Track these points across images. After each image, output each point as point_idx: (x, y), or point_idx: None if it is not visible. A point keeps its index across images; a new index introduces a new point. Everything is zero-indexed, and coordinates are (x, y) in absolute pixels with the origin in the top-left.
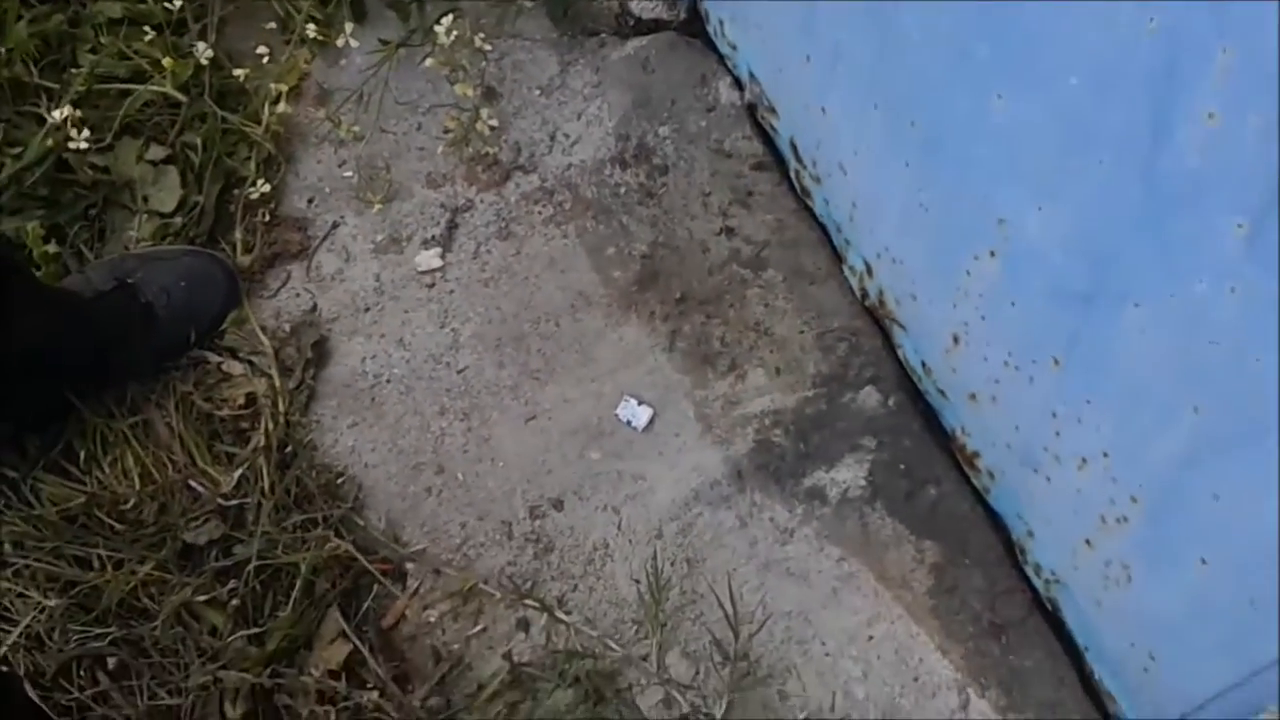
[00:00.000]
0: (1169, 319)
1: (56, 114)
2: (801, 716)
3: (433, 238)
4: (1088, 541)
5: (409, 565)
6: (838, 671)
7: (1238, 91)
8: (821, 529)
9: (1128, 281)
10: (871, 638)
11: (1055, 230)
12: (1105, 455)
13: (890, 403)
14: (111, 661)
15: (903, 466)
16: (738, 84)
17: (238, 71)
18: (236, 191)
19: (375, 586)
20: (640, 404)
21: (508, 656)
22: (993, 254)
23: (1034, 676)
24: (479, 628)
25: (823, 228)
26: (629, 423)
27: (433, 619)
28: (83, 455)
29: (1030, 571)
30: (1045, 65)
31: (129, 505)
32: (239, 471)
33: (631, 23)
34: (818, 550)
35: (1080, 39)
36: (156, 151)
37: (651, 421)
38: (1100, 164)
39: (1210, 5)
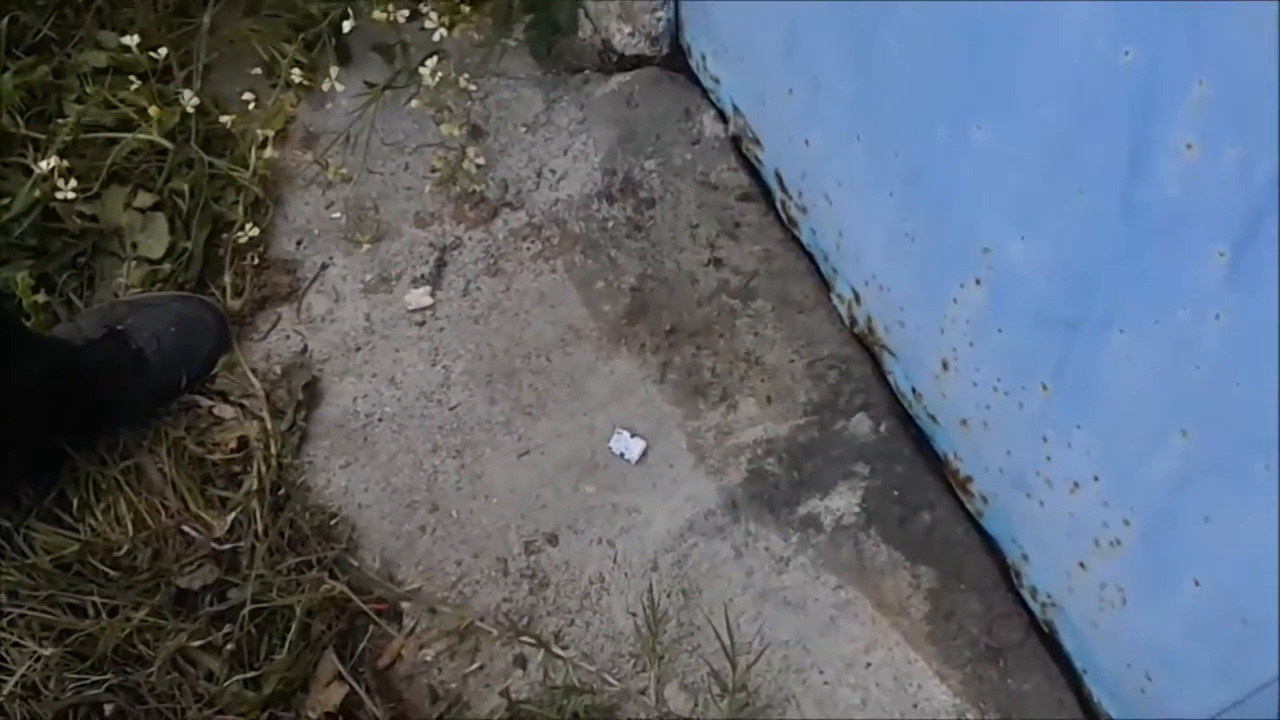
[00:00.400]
0: (1154, 345)
1: (43, 164)
2: None
3: (422, 276)
4: (1082, 564)
5: (404, 604)
6: (836, 700)
7: (1215, 123)
8: (817, 557)
9: (1111, 308)
10: (870, 665)
11: (1038, 258)
12: (1096, 479)
13: (882, 429)
14: (108, 709)
15: (896, 492)
16: (721, 117)
17: (224, 117)
18: (225, 236)
19: (371, 627)
20: (633, 436)
21: (505, 694)
22: (978, 282)
23: (1033, 700)
24: (476, 665)
25: (810, 257)
26: (622, 455)
27: (429, 658)
28: (75, 503)
29: (1026, 595)
30: (1023, 96)
31: (123, 552)
32: (232, 515)
33: (614, 59)
34: (814, 578)
35: (1056, 70)
36: (144, 199)
37: (645, 454)
38: (1080, 193)
39: (1186, 37)
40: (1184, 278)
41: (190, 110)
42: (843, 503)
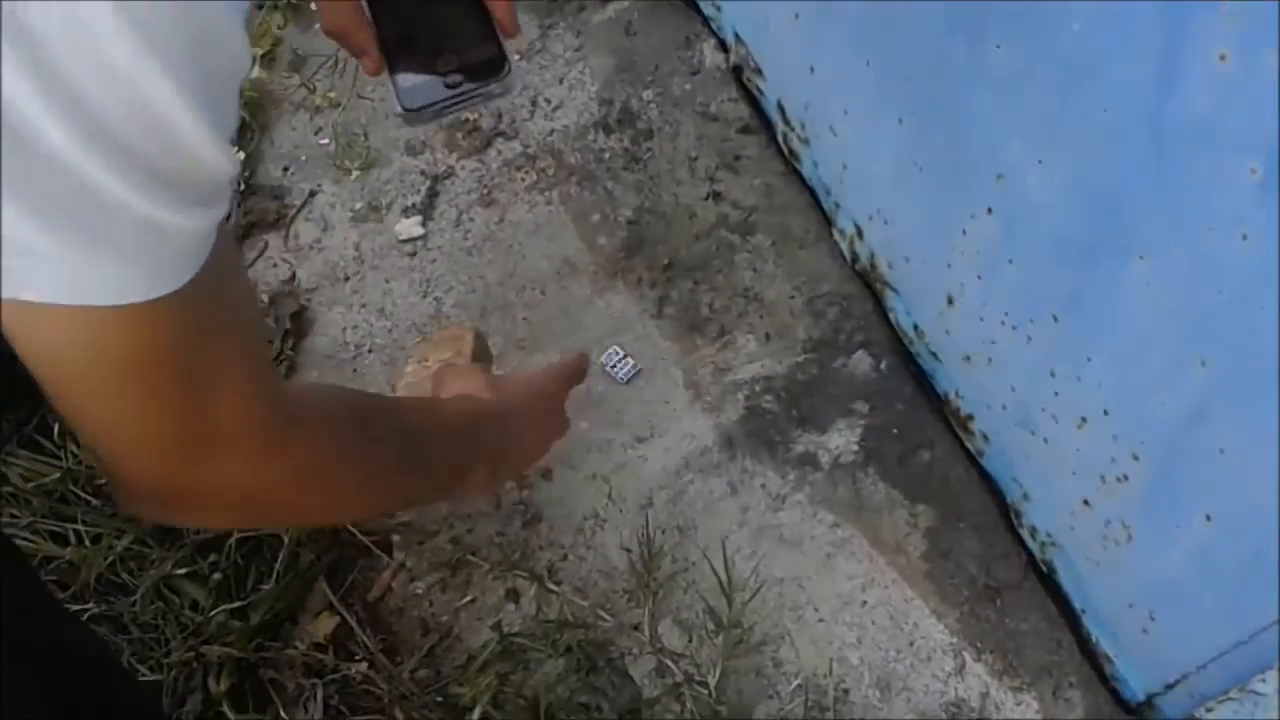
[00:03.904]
0: (1176, 270)
1: None
2: (796, 683)
3: (413, 206)
4: (1086, 502)
5: (395, 537)
6: (832, 637)
7: (1251, 30)
8: (814, 495)
9: (1133, 233)
10: (865, 603)
11: (1056, 184)
12: (1106, 413)
13: (882, 367)
14: None
15: (895, 431)
16: (722, 46)
17: None
18: None
19: (360, 559)
20: (625, 356)
21: (497, 627)
22: (990, 211)
23: (1030, 639)
24: (467, 599)
25: (811, 191)
26: (613, 368)
27: (420, 591)
28: (56, 429)
29: (1026, 534)
30: (1046, 11)
31: (104, 479)
32: None
33: None
34: (810, 516)
35: None
36: None
37: (634, 375)
38: (1104, 112)
39: None
40: (1212, 197)
41: None
42: (841, 440)
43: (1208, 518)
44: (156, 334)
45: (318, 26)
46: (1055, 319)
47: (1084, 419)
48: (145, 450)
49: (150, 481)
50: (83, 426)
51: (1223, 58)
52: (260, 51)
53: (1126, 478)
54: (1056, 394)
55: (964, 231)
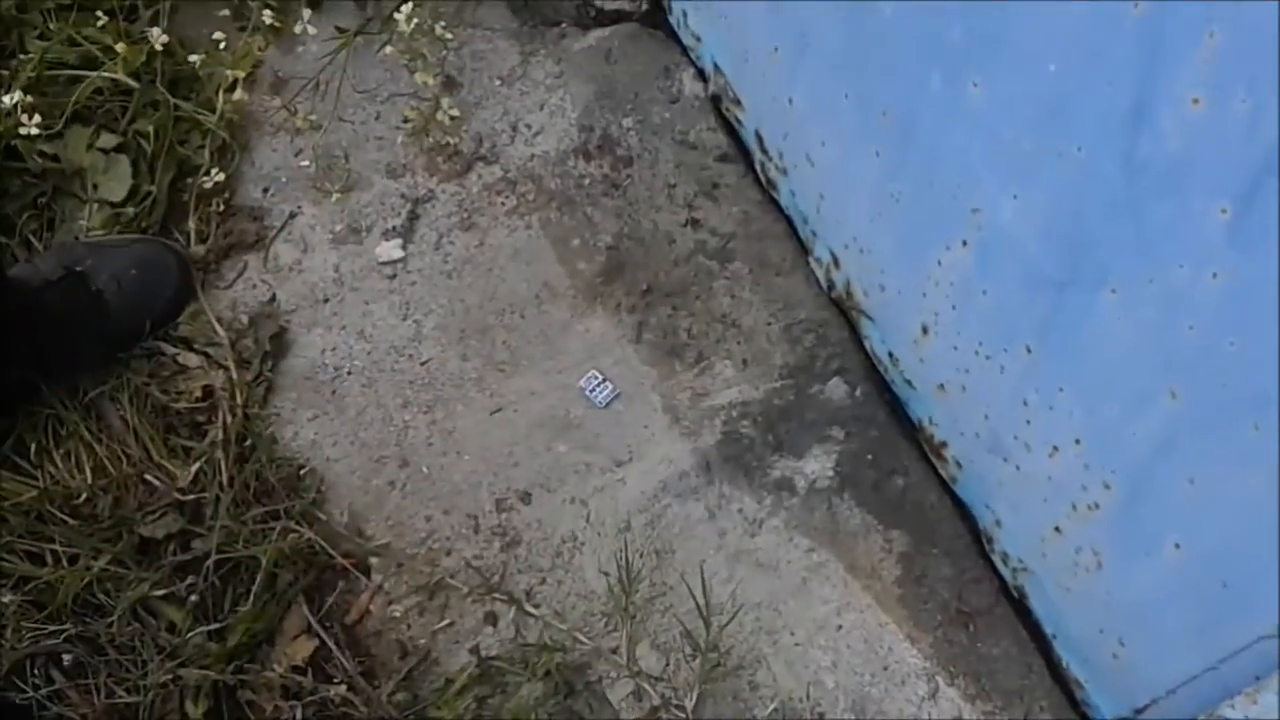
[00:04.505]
0: (1146, 304)
1: (7, 99)
2: (772, 707)
3: (393, 228)
4: (1057, 529)
5: (373, 560)
6: (808, 661)
7: (1225, 74)
8: (790, 519)
9: (1104, 268)
10: (841, 627)
11: (1030, 218)
12: (1078, 442)
13: (857, 393)
14: (67, 659)
15: (870, 457)
16: (701, 76)
17: (191, 58)
18: (190, 180)
19: (339, 582)
20: (604, 380)
21: (475, 651)
22: (965, 243)
23: (1002, 664)
24: (445, 622)
25: (788, 219)
26: (591, 393)
27: (398, 614)
28: (34, 448)
29: (998, 560)
30: (1024, 50)
31: (82, 499)
32: (196, 465)
33: (593, 13)
34: (787, 541)
35: (1061, 23)
36: (107, 139)
37: (612, 401)
38: (1078, 150)
39: None
40: (1183, 235)
41: (158, 48)
42: (817, 466)
43: (1177, 545)
44: None
45: (299, 49)
46: (1028, 349)
47: (1056, 447)
48: None
49: None
50: None
51: (1195, 101)
52: (241, 73)
53: (1097, 505)
54: (1029, 422)
55: (939, 262)
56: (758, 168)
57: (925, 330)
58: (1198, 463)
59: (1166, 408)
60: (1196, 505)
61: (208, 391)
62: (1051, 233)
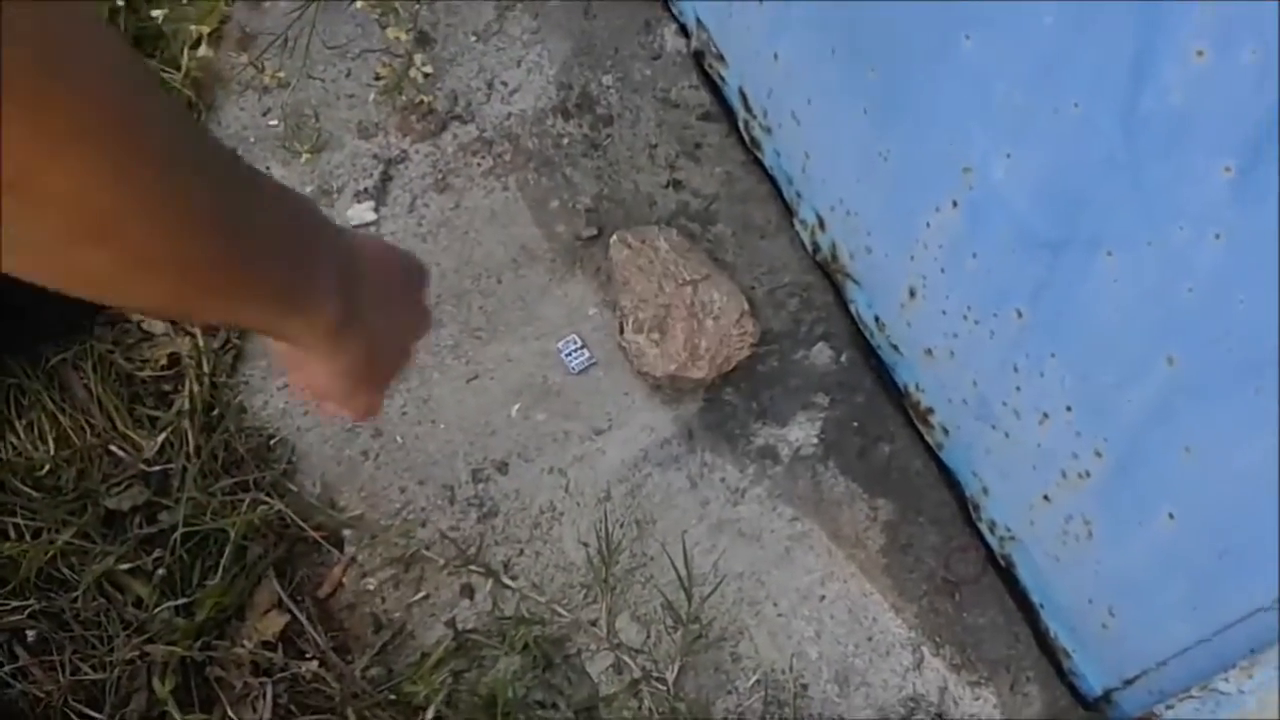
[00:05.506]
0: (1144, 266)
1: None
2: (755, 678)
3: (365, 190)
4: (1046, 497)
5: (346, 532)
6: (791, 632)
7: (1230, 26)
8: (773, 488)
9: (1101, 229)
10: (824, 597)
11: (1024, 177)
12: (1069, 409)
13: (843, 359)
14: (30, 635)
15: (855, 424)
16: (683, 31)
17: (155, 13)
18: None
19: (311, 555)
20: (583, 345)
21: (451, 624)
22: (955, 204)
23: (988, 634)
24: (421, 595)
25: (773, 180)
26: (568, 357)
27: (372, 587)
28: None
29: (985, 528)
30: (1019, 3)
31: (45, 471)
32: (162, 435)
33: None
34: (770, 510)
35: None
36: None
37: (592, 365)
38: (1075, 106)
39: None
40: (1184, 195)
41: (120, 3)
42: (800, 433)
43: (1171, 515)
44: None
45: (267, 4)
46: (1019, 313)
47: (1046, 414)
48: None
49: None
50: None
51: (1199, 54)
52: (207, 29)
53: (1088, 474)
54: (1018, 389)
55: (928, 224)
56: (741, 127)
57: (913, 294)
58: (1195, 430)
59: (1163, 373)
60: (1192, 473)
61: (174, 359)
62: (1045, 192)
